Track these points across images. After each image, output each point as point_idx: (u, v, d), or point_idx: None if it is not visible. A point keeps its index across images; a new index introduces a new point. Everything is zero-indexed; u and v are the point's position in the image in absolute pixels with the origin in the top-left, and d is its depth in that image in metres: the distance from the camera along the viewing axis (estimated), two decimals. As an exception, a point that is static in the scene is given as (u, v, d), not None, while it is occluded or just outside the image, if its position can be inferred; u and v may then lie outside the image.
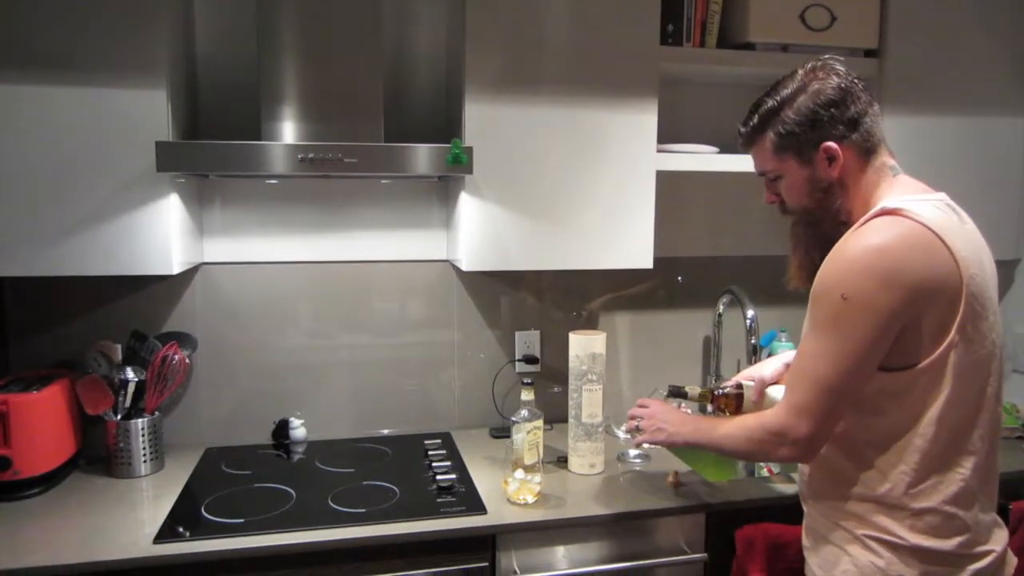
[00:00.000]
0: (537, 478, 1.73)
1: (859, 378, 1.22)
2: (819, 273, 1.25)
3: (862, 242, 1.21)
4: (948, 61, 2.16)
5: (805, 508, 1.42)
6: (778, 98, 1.32)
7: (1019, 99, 2.25)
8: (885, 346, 1.20)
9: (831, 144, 1.29)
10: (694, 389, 1.69)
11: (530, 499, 1.71)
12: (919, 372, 1.20)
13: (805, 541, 1.42)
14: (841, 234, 1.29)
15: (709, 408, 1.69)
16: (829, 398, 1.23)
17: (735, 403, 1.60)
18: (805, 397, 1.25)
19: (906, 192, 1.29)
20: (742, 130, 1.40)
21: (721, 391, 1.64)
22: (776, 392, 1.59)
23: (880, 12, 2.11)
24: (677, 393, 1.69)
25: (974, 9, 2.16)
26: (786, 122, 1.31)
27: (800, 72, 1.33)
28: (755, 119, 1.36)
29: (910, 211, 1.21)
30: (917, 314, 1.18)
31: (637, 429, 1.60)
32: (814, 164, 1.31)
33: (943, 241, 1.19)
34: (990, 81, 2.20)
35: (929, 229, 1.19)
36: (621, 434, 2.15)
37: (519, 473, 1.72)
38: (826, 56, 1.34)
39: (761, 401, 1.60)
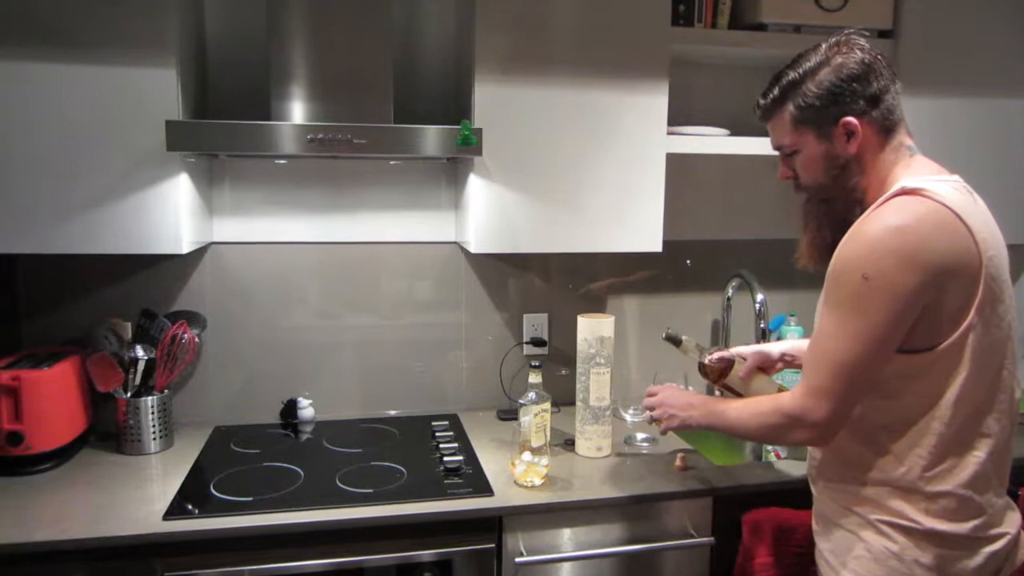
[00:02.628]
0: (544, 460, 1.74)
1: (879, 360, 1.21)
2: (838, 253, 1.23)
3: (883, 222, 1.19)
4: (962, 42, 2.12)
5: (815, 492, 1.42)
6: (800, 71, 1.30)
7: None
8: (905, 327, 1.19)
9: (851, 119, 1.27)
10: (689, 343, 1.72)
11: (537, 481, 1.72)
12: (938, 354, 1.19)
13: (815, 526, 1.42)
14: (855, 213, 1.28)
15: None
16: (848, 380, 1.22)
17: (718, 375, 1.65)
18: (823, 379, 1.24)
19: (923, 172, 1.27)
20: (761, 101, 1.37)
21: (708, 360, 1.67)
22: (761, 383, 1.63)
23: (895, -7, 2.08)
24: (672, 339, 1.73)
25: (992, -10, 2.13)
26: (807, 95, 1.29)
27: (823, 46, 1.31)
28: (775, 91, 1.34)
29: (931, 191, 1.20)
30: (938, 295, 1.17)
31: (654, 420, 1.60)
32: (832, 139, 1.29)
33: (963, 222, 1.18)
34: (1005, 63, 2.17)
35: (950, 210, 1.18)
36: (629, 417, 2.15)
37: (526, 455, 1.72)
38: (850, 31, 1.32)
39: (749, 381, 1.61)
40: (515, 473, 1.73)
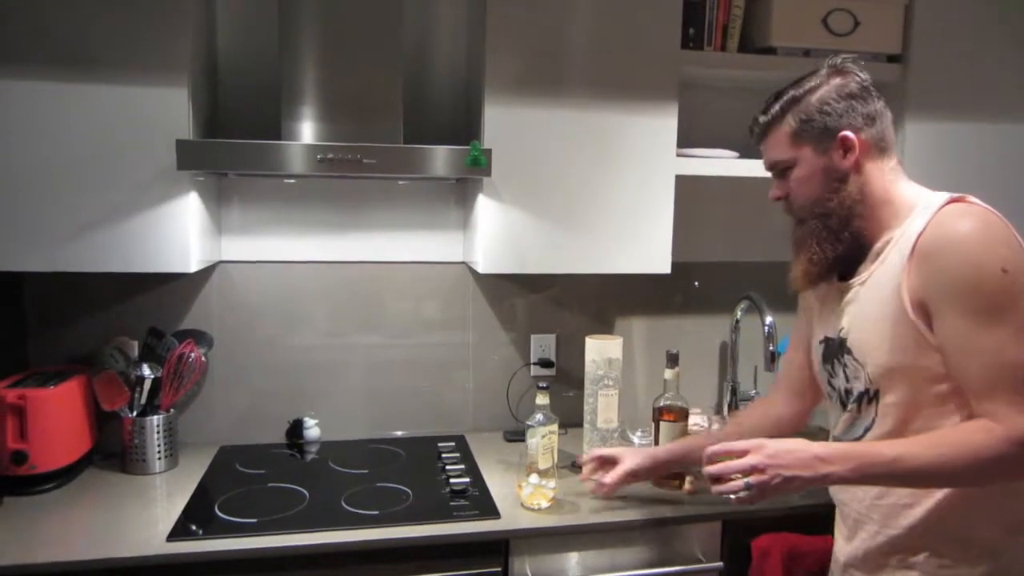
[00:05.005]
0: (552, 483, 1.72)
1: None
2: (943, 265, 1.18)
3: (967, 223, 1.19)
4: (972, 66, 2.13)
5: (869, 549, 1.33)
6: (801, 89, 1.33)
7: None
8: None
9: (848, 134, 1.29)
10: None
11: (544, 504, 1.70)
12: None
13: None
14: (853, 227, 1.30)
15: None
16: None
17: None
18: (1016, 397, 1.13)
19: (931, 192, 1.30)
20: (761, 119, 1.38)
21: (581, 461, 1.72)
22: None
23: (904, 17, 2.09)
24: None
25: (999, 14, 2.13)
26: (807, 110, 1.31)
27: (823, 69, 1.35)
28: (776, 107, 1.35)
29: (976, 200, 1.23)
30: None
31: (747, 488, 1.23)
32: (830, 154, 1.31)
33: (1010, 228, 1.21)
34: (1014, 87, 2.16)
35: (998, 216, 1.21)
36: (636, 440, 2.13)
37: (533, 478, 1.70)
38: (847, 56, 1.36)
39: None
40: (522, 495, 1.72)
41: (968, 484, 1.20)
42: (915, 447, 1.17)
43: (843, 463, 1.19)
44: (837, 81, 1.32)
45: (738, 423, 1.68)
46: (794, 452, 1.21)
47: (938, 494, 1.24)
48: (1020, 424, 1.12)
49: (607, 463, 1.71)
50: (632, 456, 1.68)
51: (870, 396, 1.32)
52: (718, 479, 1.26)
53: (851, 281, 1.34)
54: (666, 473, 1.76)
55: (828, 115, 1.30)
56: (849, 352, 1.34)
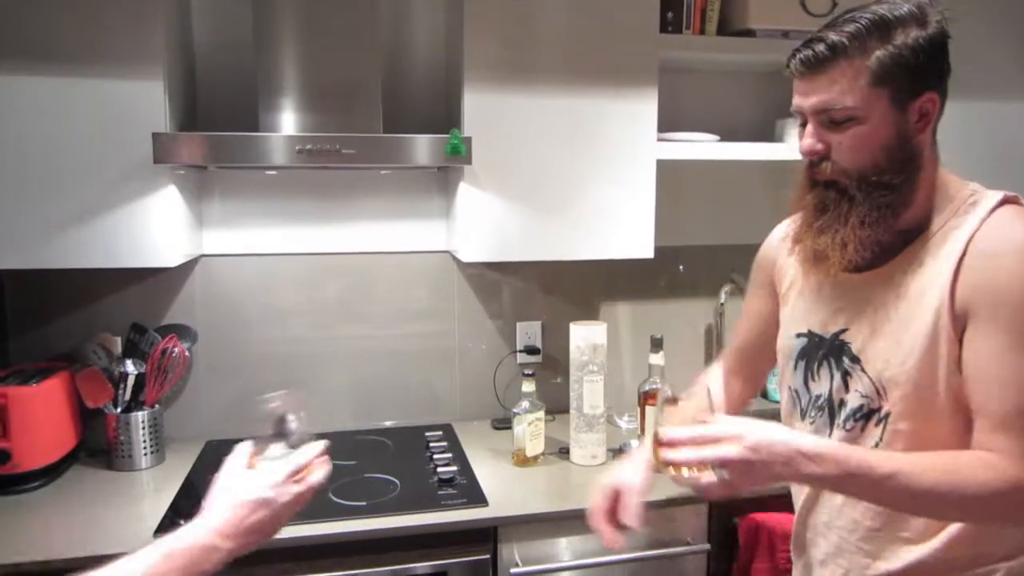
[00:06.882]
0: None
1: None
2: (997, 270, 1.00)
3: None
4: (951, 46, 2.13)
5: None
6: (893, 14, 1.03)
7: (1024, 85, 2.23)
8: None
9: (935, 95, 1.05)
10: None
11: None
12: None
13: None
14: (896, 211, 1.06)
15: None
16: None
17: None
18: None
19: (964, 183, 1.13)
20: (833, 38, 1.02)
21: None
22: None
23: (883, -2, 2.09)
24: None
25: (980, -6, 2.14)
26: (900, 46, 1.02)
27: (906, 4, 1.05)
28: (856, 27, 1.02)
29: None
30: None
31: (722, 467, 1.00)
32: (908, 113, 1.05)
33: None
34: (994, 66, 2.18)
35: None
36: (623, 425, 2.14)
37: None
38: None
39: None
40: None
41: (955, 519, 1.05)
42: (914, 467, 0.98)
43: (831, 466, 0.98)
44: (925, 25, 1.04)
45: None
46: (778, 445, 0.98)
47: (947, 534, 1.08)
48: None
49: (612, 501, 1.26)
50: (630, 474, 1.25)
51: (880, 416, 1.10)
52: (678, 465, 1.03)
53: (863, 270, 1.12)
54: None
55: (923, 63, 1.02)
56: (855, 360, 1.13)
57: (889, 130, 1.04)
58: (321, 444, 1.09)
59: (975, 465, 0.98)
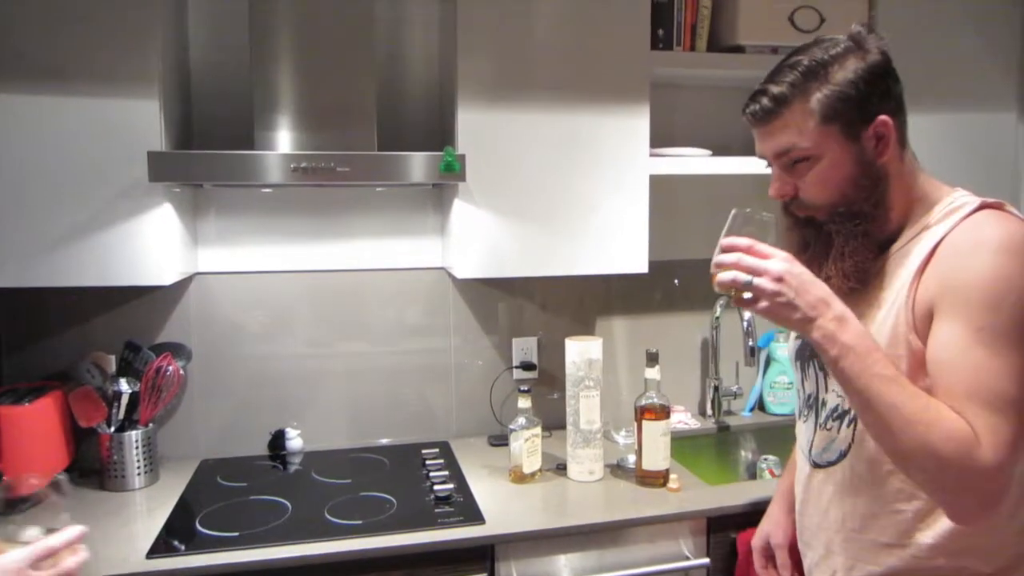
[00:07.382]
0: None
1: None
2: (966, 267, 1.01)
3: (1005, 232, 1.00)
4: (937, 60, 2.16)
5: None
6: (825, 55, 1.07)
7: (1008, 96, 2.25)
8: None
9: (887, 119, 1.07)
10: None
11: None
12: None
13: None
14: (873, 234, 1.10)
15: None
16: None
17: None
18: (1013, 428, 0.96)
19: (950, 189, 1.15)
20: (773, 89, 1.08)
21: None
22: None
23: (868, 13, 2.11)
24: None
25: (961, 6, 2.17)
26: (839, 83, 1.05)
27: (841, 40, 1.09)
28: (794, 75, 1.07)
29: (1014, 211, 1.07)
30: None
31: (748, 285, 1.01)
32: (862, 142, 1.07)
33: None
34: (979, 79, 2.21)
35: None
36: (620, 440, 2.14)
37: None
38: (863, 26, 1.11)
39: None
40: None
41: (905, 459, 1.00)
42: (906, 387, 0.98)
43: (847, 333, 0.98)
44: (863, 55, 1.08)
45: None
46: (816, 287, 1.00)
47: (926, 542, 1.08)
48: (995, 444, 0.95)
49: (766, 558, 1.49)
50: (775, 529, 1.45)
51: (851, 417, 1.15)
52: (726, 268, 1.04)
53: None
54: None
55: (863, 92, 1.05)
56: None
57: (849, 161, 1.08)
58: (78, 530, 1.11)
59: (952, 420, 0.97)
